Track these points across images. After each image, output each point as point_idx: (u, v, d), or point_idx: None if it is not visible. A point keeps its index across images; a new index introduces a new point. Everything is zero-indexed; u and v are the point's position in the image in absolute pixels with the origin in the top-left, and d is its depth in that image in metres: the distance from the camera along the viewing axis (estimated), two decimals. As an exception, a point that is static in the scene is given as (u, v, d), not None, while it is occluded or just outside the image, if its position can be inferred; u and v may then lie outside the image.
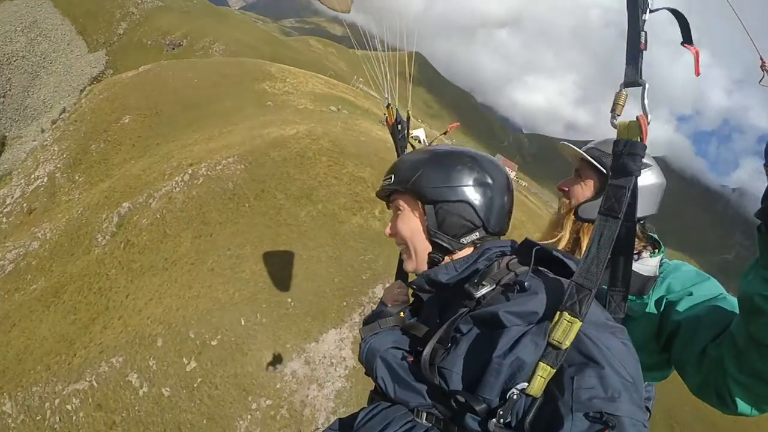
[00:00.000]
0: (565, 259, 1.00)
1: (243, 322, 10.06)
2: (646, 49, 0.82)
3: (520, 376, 0.82)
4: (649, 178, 1.51)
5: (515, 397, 0.80)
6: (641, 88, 0.83)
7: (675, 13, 0.84)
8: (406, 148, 1.91)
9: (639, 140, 0.82)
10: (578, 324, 0.81)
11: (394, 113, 1.99)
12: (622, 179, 0.86)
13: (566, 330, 0.81)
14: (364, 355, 1.10)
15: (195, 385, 9.01)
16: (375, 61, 2.13)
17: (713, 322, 1.14)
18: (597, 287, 0.83)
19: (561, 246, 1.57)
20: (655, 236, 1.53)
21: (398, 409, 1.00)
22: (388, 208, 1.28)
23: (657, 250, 1.49)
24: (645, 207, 1.50)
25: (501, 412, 0.80)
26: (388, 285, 1.43)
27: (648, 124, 0.81)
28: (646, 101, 0.82)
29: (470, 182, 1.10)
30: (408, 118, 2.01)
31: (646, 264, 1.40)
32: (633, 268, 1.16)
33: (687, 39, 0.84)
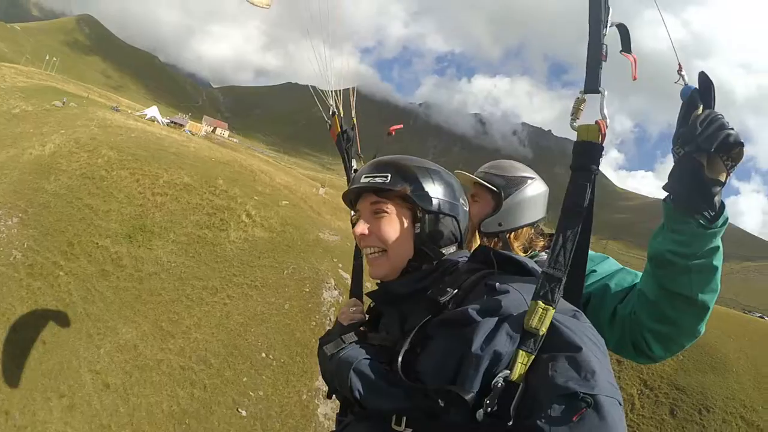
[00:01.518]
0: (521, 260, 1.05)
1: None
2: (606, 60, 0.88)
3: (501, 365, 0.85)
4: (537, 188, 1.70)
5: (500, 385, 0.83)
6: (600, 95, 0.88)
7: (621, 27, 0.92)
8: (355, 160, 1.84)
9: (598, 142, 0.88)
10: (552, 311, 0.85)
11: (340, 122, 1.87)
12: (584, 176, 0.90)
13: (542, 317, 0.85)
14: (334, 370, 1.06)
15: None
16: (319, 58, 1.86)
17: (618, 288, 1.31)
18: (566, 276, 0.88)
19: None
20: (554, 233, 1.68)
21: (373, 426, 0.98)
22: (352, 207, 1.25)
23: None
24: (537, 213, 1.69)
25: (488, 401, 0.82)
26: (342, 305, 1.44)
27: (606, 127, 0.87)
28: (605, 108, 0.87)
29: (459, 200, 1.18)
30: (354, 127, 1.89)
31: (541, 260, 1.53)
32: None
33: (627, 49, 0.92)
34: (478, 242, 1.61)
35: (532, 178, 1.69)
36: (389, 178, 1.14)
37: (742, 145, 0.92)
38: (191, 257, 16.01)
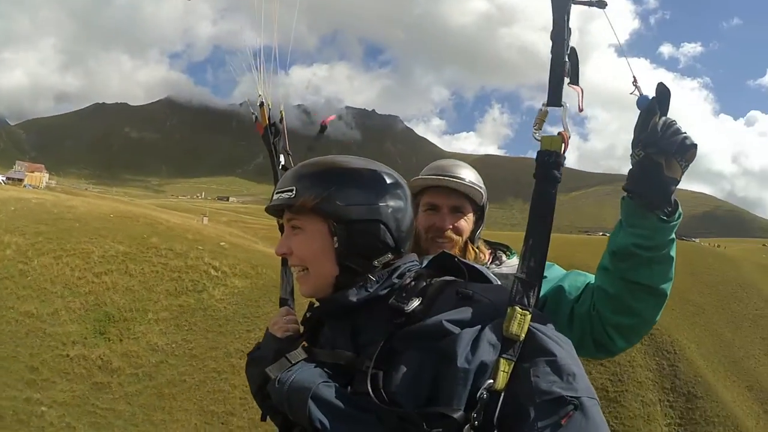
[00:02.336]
0: (482, 269, 1.04)
1: None
2: (567, 77, 0.94)
3: (485, 376, 0.81)
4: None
5: (485, 396, 0.80)
6: (562, 108, 0.94)
7: (573, 54, 0.95)
8: (283, 156, 1.71)
9: (560, 151, 0.91)
10: (529, 316, 0.84)
11: (268, 113, 1.72)
12: (548, 184, 0.92)
13: (521, 323, 0.83)
14: (285, 397, 0.93)
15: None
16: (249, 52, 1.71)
17: (572, 288, 1.37)
18: (540, 281, 0.90)
19: None
20: (497, 242, 1.72)
21: None
22: (279, 224, 1.18)
23: (509, 252, 1.66)
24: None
25: (475, 415, 0.79)
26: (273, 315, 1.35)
27: (569, 138, 0.91)
28: (567, 120, 0.93)
29: (385, 201, 1.03)
30: (282, 119, 1.76)
31: (509, 265, 1.57)
32: (502, 272, 1.47)
33: (575, 81, 0.96)
34: (472, 254, 1.59)
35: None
36: (294, 192, 1.03)
37: (696, 147, 1.03)
38: (188, 330, 14.40)
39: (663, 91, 1.03)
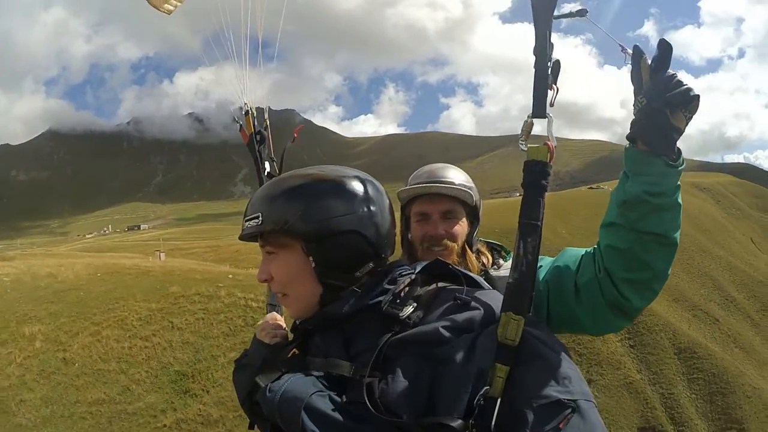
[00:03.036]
0: (475, 276, 1.04)
1: None
2: (552, 88, 0.96)
3: (482, 382, 0.81)
4: None
5: (482, 402, 0.80)
6: (547, 120, 0.96)
7: (556, 65, 0.97)
8: (268, 163, 1.69)
9: (547, 161, 0.92)
10: (523, 321, 0.84)
11: (253, 122, 1.71)
12: (536, 192, 0.92)
13: (515, 328, 0.84)
14: (276, 407, 0.90)
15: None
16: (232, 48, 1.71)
17: (569, 263, 1.34)
18: (533, 287, 0.89)
19: None
20: (493, 241, 1.69)
21: None
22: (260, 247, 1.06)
23: (505, 253, 1.63)
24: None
25: (473, 422, 0.79)
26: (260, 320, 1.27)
27: (554, 147, 0.94)
28: (552, 130, 0.95)
29: (357, 209, 0.99)
30: (267, 127, 1.74)
31: (506, 268, 1.50)
32: (500, 275, 1.47)
33: (554, 80, 0.98)
34: (473, 258, 1.54)
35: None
36: (260, 218, 0.99)
37: (698, 97, 1.05)
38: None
39: (665, 46, 1.04)
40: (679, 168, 1.12)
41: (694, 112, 1.07)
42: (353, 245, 0.98)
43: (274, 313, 1.32)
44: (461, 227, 1.55)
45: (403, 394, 0.84)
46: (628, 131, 1.12)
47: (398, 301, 0.95)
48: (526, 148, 0.96)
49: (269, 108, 1.85)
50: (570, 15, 1.05)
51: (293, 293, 1.02)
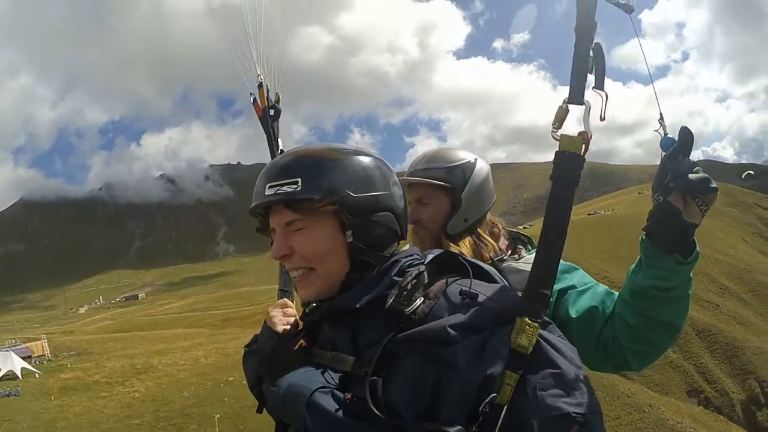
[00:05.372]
0: (489, 270, 0.99)
1: None
2: (591, 72, 0.89)
3: (489, 388, 0.78)
4: (484, 166, 1.57)
5: (487, 410, 0.77)
6: (584, 107, 0.88)
7: (598, 50, 0.90)
8: (281, 140, 1.63)
9: (580, 153, 0.87)
10: (538, 328, 0.81)
11: (266, 94, 1.63)
12: (566, 187, 0.87)
13: (530, 335, 0.80)
14: (279, 401, 0.91)
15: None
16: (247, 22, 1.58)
17: (602, 310, 1.32)
18: (551, 289, 0.86)
19: None
20: (519, 232, 1.64)
21: None
22: (263, 229, 1.02)
23: (530, 246, 1.57)
24: (492, 193, 1.58)
25: (476, 429, 0.77)
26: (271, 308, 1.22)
27: (590, 138, 0.87)
28: (589, 120, 0.88)
29: (390, 187, 0.98)
30: (278, 100, 1.65)
31: (527, 261, 1.43)
32: (519, 267, 1.39)
33: (599, 84, 0.91)
34: (452, 248, 1.44)
35: (474, 158, 1.55)
36: (300, 184, 0.91)
37: (716, 190, 1.01)
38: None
39: (686, 134, 0.99)
40: (690, 264, 1.10)
41: (711, 204, 1.02)
42: (387, 223, 0.96)
43: (286, 299, 1.27)
44: (432, 210, 1.52)
45: (406, 394, 0.81)
46: (646, 223, 1.07)
47: (405, 293, 0.89)
48: (558, 137, 0.88)
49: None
50: (617, 4, 1.00)
51: (322, 269, 0.95)
